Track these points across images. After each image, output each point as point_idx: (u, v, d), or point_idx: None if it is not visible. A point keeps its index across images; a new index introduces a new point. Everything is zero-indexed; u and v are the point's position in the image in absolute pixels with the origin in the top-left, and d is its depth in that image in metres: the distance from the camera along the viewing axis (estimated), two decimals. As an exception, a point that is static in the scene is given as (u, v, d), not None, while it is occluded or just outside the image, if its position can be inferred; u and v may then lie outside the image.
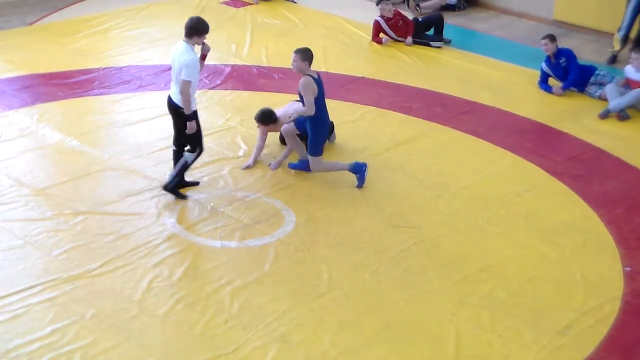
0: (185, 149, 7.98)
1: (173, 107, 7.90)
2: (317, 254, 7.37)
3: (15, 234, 7.43)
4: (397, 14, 12.44)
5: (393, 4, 14.06)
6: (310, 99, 7.99)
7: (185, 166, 8.03)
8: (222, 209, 7.91)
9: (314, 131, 8.23)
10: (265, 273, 7.10)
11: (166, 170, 8.38)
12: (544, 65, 10.96)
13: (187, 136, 7.89)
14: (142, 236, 7.48)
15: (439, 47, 12.31)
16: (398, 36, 12.37)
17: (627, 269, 7.37)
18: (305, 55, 8.12)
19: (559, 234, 7.84)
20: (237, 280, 6.98)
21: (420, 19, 12.68)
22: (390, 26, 12.33)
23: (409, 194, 8.40)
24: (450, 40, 12.52)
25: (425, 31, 12.53)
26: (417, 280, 7.08)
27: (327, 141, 8.74)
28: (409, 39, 12.28)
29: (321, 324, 6.54)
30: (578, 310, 6.83)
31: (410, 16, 13.05)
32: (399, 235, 7.68)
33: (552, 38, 10.85)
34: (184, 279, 6.97)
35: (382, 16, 12.38)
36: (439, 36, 12.49)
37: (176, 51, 7.75)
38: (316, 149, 8.28)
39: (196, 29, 7.74)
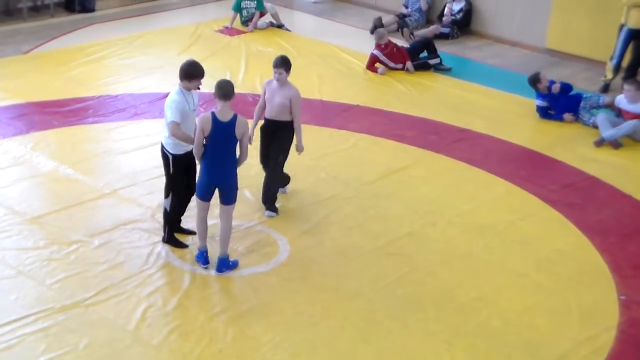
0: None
1: (162, 152, 7.60)
2: (311, 283, 7.34)
3: (8, 263, 7.40)
4: (390, 43, 12.52)
5: (387, 33, 14.19)
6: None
7: (166, 214, 7.70)
8: (216, 238, 7.89)
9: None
10: (259, 302, 7.07)
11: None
12: (539, 101, 11.00)
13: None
14: (136, 265, 7.45)
15: (438, 63, 12.44)
16: (396, 64, 12.39)
17: (623, 297, 7.37)
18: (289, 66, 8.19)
19: (554, 263, 7.84)
20: (231, 309, 6.95)
21: (409, 46, 12.80)
22: (386, 55, 12.38)
23: (402, 222, 8.40)
24: (450, 68, 12.56)
25: (418, 54, 12.64)
26: (412, 309, 7.06)
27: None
28: (409, 64, 12.29)
29: (316, 354, 6.51)
30: (573, 339, 6.81)
31: (404, 45, 13.12)
32: (393, 264, 7.67)
33: (537, 80, 11.01)
34: (178, 308, 6.94)
35: (378, 45, 12.42)
36: (434, 55, 12.58)
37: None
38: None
39: (185, 72, 7.41)
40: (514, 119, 11.06)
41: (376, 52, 12.41)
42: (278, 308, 7.01)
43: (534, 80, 11.07)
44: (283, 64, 8.14)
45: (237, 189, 7.27)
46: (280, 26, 14.22)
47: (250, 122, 8.04)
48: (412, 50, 12.69)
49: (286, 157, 8.40)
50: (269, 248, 7.80)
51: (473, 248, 8.01)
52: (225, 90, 7.08)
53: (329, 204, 8.67)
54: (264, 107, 8.45)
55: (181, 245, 7.72)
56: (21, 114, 10.43)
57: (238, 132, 7.09)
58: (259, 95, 11.50)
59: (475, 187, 9.19)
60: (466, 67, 12.95)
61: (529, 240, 8.19)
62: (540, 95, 11.03)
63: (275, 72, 8.18)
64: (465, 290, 7.35)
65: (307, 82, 11.92)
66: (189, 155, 7.42)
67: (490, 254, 7.93)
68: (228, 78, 11.70)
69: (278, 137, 8.31)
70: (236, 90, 11.32)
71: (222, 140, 7.05)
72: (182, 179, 7.55)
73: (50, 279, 7.20)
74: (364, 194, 8.90)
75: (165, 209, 7.72)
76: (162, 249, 7.70)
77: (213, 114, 7.10)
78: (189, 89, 7.48)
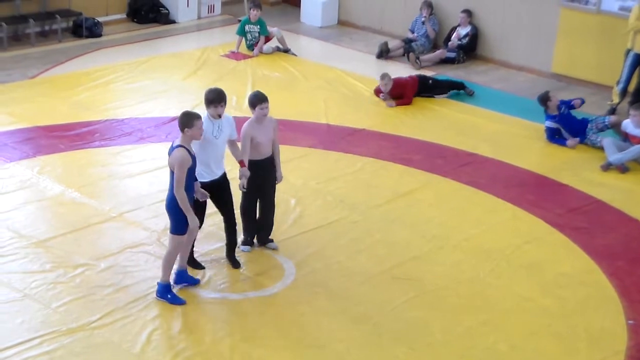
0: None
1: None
2: (318, 307, 7.36)
3: (15, 286, 7.43)
4: (397, 85, 12.20)
5: (392, 58, 14.27)
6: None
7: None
8: (222, 261, 7.92)
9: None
10: (265, 325, 7.08)
11: (166, 222, 8.39)
12: (549, 123, 11.04)
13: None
14: (142, 288, 7.48)
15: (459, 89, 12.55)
16: (398, 104, 12.27)
17: (631, 322, 7.36)
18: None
19: (561, 287, 7.84)
20: (237, 332, 6.96)
21: (430, 82, 12.52)
22: (390, 95, 12.28)
23: (409, 245, 8.42)
24: (474, 92, 12.58)
25: (434, 92, 12.53)
26: (419, 333, 7.06)
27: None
28: (390, 103, 12.14)
29: (322, 378, 6.51)
30: (581, 363, 6.80)
31: (410, 70, 13.20)
32: (400, 287, 7.68)
33: (547, 99, 11.04)
34: (183, 331, 6.96)
35: (379, 91, 12.39)
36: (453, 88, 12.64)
37: None
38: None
39: (204, 98, 7.53)
40: (520, 142, 11.09)
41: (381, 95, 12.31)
42: (284, 331, 7.02)
43: (544, 99, 11.07)
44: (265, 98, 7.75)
45: (176, 219, 7.16)
46: (286, 51, 14.30)
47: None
48: (430, 86, 12.53)
49: None
50: (274, 271, 7.82)
51: (480, 272, 8.02)
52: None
53: (335, 227, 8.70)
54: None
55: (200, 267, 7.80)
56: (28, 137, 10.49)
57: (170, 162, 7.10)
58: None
59: (481, 211, 9.21)
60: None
61: (536, 265, 8.19)
62: (549, 116, 11.06)
63: (263, 108, 7.72)
64: (472, 315, 7.35)
65: (314, 106, 11.99)
66: (214, 184, 7.53)
67: (497, 278, 7.93)
68: (234, 102, 11.79)
69: (272, 171, 8.00)
70: (242, 115, 11.55)
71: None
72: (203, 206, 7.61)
73: (56, 302, 7.23)
74: (370, 218, 8.93)
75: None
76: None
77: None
78: (213, 116, 7.45)
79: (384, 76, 12.16)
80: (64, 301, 7.25)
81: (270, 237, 8.18)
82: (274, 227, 8.28)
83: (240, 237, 8.01)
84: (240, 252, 8.03)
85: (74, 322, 6.98)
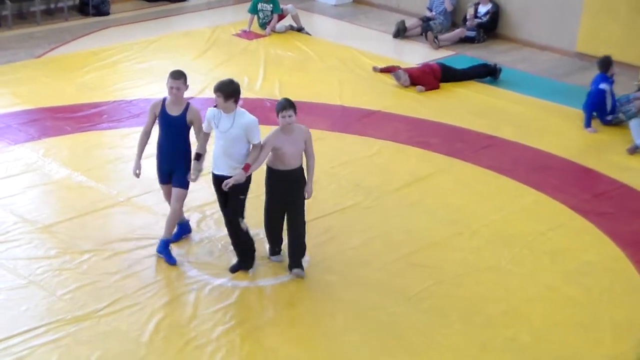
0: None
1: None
2: (332, 295, 7.32)
3: (19, 273, 7.43)
4: (416, 77, 11.96)
5: (409, 37, 14.17)
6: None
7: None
8: (232, 249, 7.88)
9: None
10: (277, 314, 7.06)
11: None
12: (604, 85, 10.78)
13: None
14: (150, 275, 7.47)
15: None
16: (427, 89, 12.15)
17: (658, 311, 7.29)
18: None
19: (586, 275, 7.78)
20: (248, 321, 6.94)
21: (455, 73, 12.33)
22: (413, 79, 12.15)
23: (427, 231, 8.37)
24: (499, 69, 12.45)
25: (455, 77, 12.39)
26: (437, 323, 7.02)
27: None
28: (420, 88, 12.03)
29: (336, 368, 6.48)
30: (606, 355, 6.74)
31: (428, 51, 13.08)
32: (418, 275, 7.64)
33: (609, 63, 10.86)
34: (193, 319, 6.94)
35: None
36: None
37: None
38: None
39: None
40: (543, 125, 11.01)
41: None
42: (296, 320, 6.99)
43: (607, 63, 10.88)
44: (292, 105, 7.33)
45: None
46: (300, 29, 14.23)
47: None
48: (454, 73, 12.39)
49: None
50: (287, 258, 7.77)
51: (501, 260, 7.96)
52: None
53: (350, 212, 8.66)
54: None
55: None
56: (33, 119, 10.49)
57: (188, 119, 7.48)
58: (276, 101, 11.56)
59: (503, 196, 9.15)
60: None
61: (559, 252, 8.13)
62: (607, 79, 10.84)
63: (285, 116, 7.29)
64: (492, 304, 7.30)
65: (328, 87, 11.93)
66: (215, 179, 7.42)
67: (519, 266, 7.88)
68: (245, 83, 11.75)
69: (300, 185, 7.44)
70: (254, 96, 11.51)
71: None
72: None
73: (62, 290, 7.22)
74: (387, 203, 8.88)
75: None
76: (177, 258, 7.69)
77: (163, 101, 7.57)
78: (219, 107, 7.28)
79: (399, 77, 11.95)
80: (69, 288, 7.24)
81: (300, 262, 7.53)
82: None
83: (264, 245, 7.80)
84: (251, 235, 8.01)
85: (80, 310, 6.97)
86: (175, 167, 7.63)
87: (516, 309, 7.26)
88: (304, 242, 7.52)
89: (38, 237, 7.99)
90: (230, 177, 7.19)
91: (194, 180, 7.56)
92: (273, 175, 7.37)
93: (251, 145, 7.30)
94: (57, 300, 7.09)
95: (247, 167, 7.22)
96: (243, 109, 7.36)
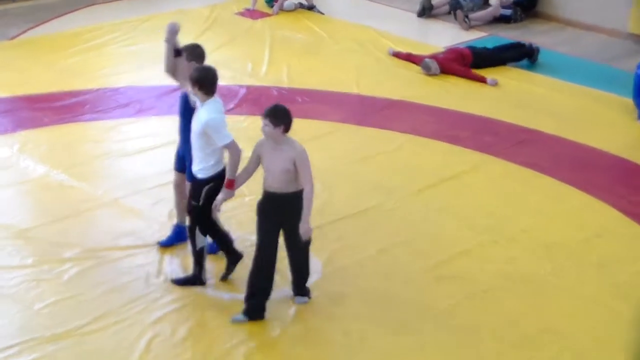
0: None
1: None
2: (347, 310, 7.33)
3: (-9, 284, 7.47)
4: (447, 68, 12.00)
5: (436, 16, 14.18)
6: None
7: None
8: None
9: None
10: (284, 333, 7.06)
11: (169, 209, 8.40)
12: None
13: None
14: (140, 287, 7.48)
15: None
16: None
17: None
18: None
19: (636, 288, 7.76)
20: (250, 340, 6.95)
21: (489, 52, 12.35)
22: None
23: (457, 239, 8.37)
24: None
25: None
26: (468, 343, 7.02)
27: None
28: (492, 80, 11.87)
29: (352, 394, 6.50)
30: (661, 380, 6.71)
31: (457, 32, 13.07)
32: (446, 288, 7.64)
33: None
34: (188, 338, 6.95)
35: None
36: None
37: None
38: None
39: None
40: (589, 117, 11.00)
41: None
42: (306, 339, 7.00)
43: None
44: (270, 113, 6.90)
45: None
46: (311, 7, 14.26)
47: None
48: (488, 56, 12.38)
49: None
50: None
51: (540, 270, 7.96)
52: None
53: (368, 217, 8.66)
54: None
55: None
56: (7, 109, 10.56)
57: None
58: (285, 89, 11.64)
59: (542, 198, 9.14)
60: (532, 55, 12.89)
61: (607, 262, 8.11)
62: None
63: (262, 125, 6.92)
64: (530, 320, 7.30)
65: (343, 74, 11.95)
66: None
67: (561, 278, 7.87)
68: (249, 69, 11.77)
69: (289, 216, 7.11)
70: (259, 83, 11.54)
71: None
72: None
73: (39, 303, 7.23)
74: (409, 206, 8.88)
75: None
76: (171, 268, 7.72)
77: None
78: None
79: (428, 67, 11.93)
80: (48, 302, 7.26)
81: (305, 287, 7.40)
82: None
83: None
84: (254, 242, 8.00)
85: (60, 326, 6.98)
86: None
87: (557, 326, 7.25)
88: (308, 265, 7.38)
89: (12, 243, 8.02)
90: (193, 177, 7.33)
91: None
92: (262, 197, 7.13)
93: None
94: (34, 315, 7.10)
95: (229, 183, 7.12)
96: (211, 102, 7.15)
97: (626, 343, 6.39)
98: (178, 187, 7.88)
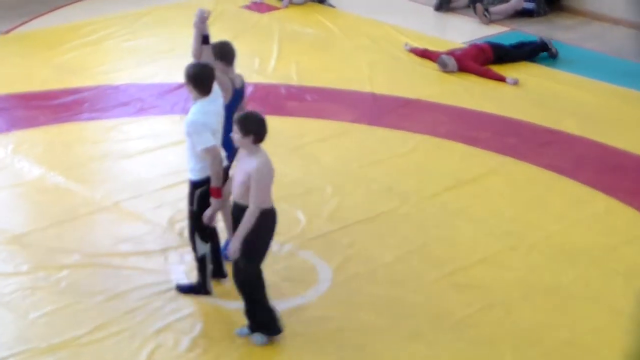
0: None
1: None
2: (359, 320, 7.37)
3: (-16, 291, 7.53)
4: (467, 57, 12.09)
5: (455, 10, 14.19)
6: None
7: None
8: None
9: None
10: (293, 343, 7.10)
11: (172, 213, 8.46)
12: None
13: None
14: (141, 295, 7.53)
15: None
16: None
17: None
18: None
19: (666, 298, 7.79)
20: (258, 351, 6.99)
21: (507, 54, 12.39)
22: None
23: (474, 245, 8.41)
24: (557, 53, 12.49)
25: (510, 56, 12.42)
26: (486, 355, 7.05)
27: None
28: (511, 80, 11.96)
29: (363, 409, 6.54)
30: (691, 395, 6.75)
31: (477, 26, 13.09)
32: (463, 297, 7.68)
33: None
34: (193, 349, 6.99)
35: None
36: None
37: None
38: None
39: None
40: (615, 116, 11.01)
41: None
42: (316, 351, 7.04)
43: None
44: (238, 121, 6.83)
45: None
46: (322, 1, 14.28)
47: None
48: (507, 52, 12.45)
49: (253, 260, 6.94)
50: (305, 276, 7.84)
51: (562, 279, 7.98)
52: None
53: (381, 222, 8.70)
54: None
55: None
56: (0, 108, 10.59)
57: None
58: (294, 87, 11.68)
59: (566, 203, 9.17)
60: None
61: (634, 270, 8.12)
62: None
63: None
64: (552, 332, 7.31)
65: (356, 71, 11.97)
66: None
67: (585, 287, 7.89)
68: (256, 65, 11.82)
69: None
70: (266, 80, 11.58)
71: None
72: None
73: (35, 312, 7.28)
74: (425, 210, 8.92)
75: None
76: (175, 276, 7.76)
77: None
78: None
79: (445, 64, 11.96)
80: (44, 311, 7.31)
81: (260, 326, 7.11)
82: (302, 224, 8.37)
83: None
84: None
85: (57, 336, 7.03)
86: None
87: (581, 339, 7.27)
88: (251, 308, 7.02)
89: (6, 249, 8.08)
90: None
91: None
92: None
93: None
94: (30, 324, 7.16)
95: (214, 191, 7.12)
96: (200, 103, 7.19)
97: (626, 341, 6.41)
98: None
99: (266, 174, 6.73)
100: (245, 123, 6.71)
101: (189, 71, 7.19)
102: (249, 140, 6.70)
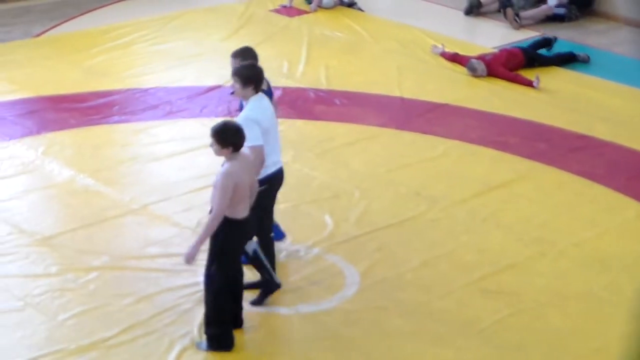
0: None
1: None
2: (386, 325, 7.38)
3: (14, 293, 7.57)
4: (497, 62, 12.09)
5: (485, 14, 14.16)
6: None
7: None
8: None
9: None
10: (319, 346, 7.11)
11: (199, 216, 8.49)
12: None
13: None
14: (170, 298, 7.56)
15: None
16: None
17: None
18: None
19: (698, 306, 7.74)
20: (284, 355, 7.03)
21: (536, 61, 12.39)
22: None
23: (503, 251, 8.39)
24: (589, 58, 12.48)
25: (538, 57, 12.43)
26: (514, 361, 7.04)
27: None
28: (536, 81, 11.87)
29: (391, 414, 6.54)
30: None
31: (507, 31, 13.06)
32: (491, 303, 7.67)
33: None
34: (220, 351, 6.99)
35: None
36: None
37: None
38: None
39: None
40: (647, 123, 10.98)
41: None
42: (344, 355, 7.05)
43: None
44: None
45: None
46: (351, 4, 14.31)
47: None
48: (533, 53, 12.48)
49: (223, 267, 6.91)
50: (333, 280, 7.85)
51: (593, 286, 7.96)
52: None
53: (409, 226, 8.71)
54: None
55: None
56: (31, 110, 10.68)
57: None
58: (322, 91, 11.69)
59: (596, 209, 9.14)
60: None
61: (666, 278, 8.11)
62: None
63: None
64: (582, 339, 7.30)
65: (385, 75, 11.98)
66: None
67: (616, 294, 7.86)
68: (285, 69, 11.84)
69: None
70: (295, 84, 11.60)
71: None
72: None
73: (64, 314, 7.34)
74: (454, 216, 8.92)
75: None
76: (202, 278, 7.78)
77: None
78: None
79: (474, 68, 11.97)
80: (73, 312, 7.36)
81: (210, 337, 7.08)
82: (330, 228, 8.38)
83: None
84: (291, 252, 8.10)
85: (85, 338, 7.07)
86: None
87: (611, 346, 7.21)
88: (207, 313, 7.02)
89: (36, 250, 8.13)
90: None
91: None
92: None
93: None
94: (59, 326, 7.20)
95: None
96: (256, 99, 7.33)
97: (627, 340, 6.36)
98: None
99: (230, 180, 6.61)
100: (223, 135, 6.67)
101: (242, 72, 7.26)
102: (228, 150, 6.66)
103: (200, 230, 6.78)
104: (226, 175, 6.62)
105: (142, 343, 7.06)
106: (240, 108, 7.67)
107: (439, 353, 7.10)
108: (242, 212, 6.75)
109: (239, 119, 7.14)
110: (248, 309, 7.46)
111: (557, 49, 12.73)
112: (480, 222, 8.84)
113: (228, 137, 6.66)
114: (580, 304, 7.74)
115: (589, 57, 12.54)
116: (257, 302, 7.46)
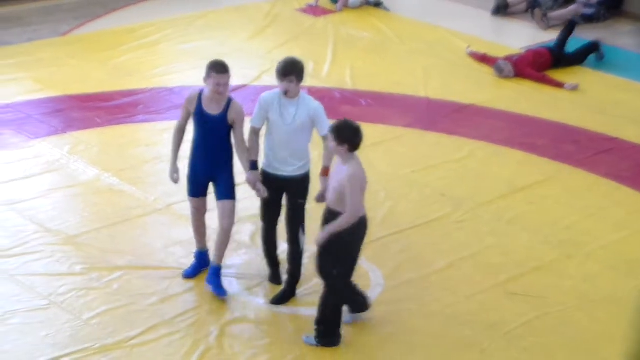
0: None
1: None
2: (410, 327, 7.37)
3: (39, 292, 7.61)
4: (523, 73, 12.06)
5: (512, 15, 14.14)
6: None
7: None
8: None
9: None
10: (344, 349, 7.11)
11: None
12: None
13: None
14: (193, 298, 7.59)
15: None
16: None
17: None
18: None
19: None
20: (308, 356, 7.02)
21: (563, 59, 12.40)
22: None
23: (530, 253, 8.37)
24: (604, 56, 12.44)
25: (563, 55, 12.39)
26: (540, 365, 7.02)
27: None
28: (570, 85, 11.83)
29: (415, 417, 6.54)
30: None
31: (535, 32, 13.03)
32: (517, 306, 7.64)
33: None
34: (244, 352, 7.03)
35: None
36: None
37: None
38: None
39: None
40: (677, 125, 10.92)
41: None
42: (368, 357, 7.04)
43: None
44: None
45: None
46: (377, 4, 14.31)
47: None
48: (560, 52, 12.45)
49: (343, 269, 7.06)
50: (358, 281, 7.80)
51: (620, 290, 7.91)
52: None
53: (434, 228, 8.70)
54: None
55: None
56: (57, 109, 10.74)
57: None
58: (348, 91, 11.69)
59: (624, 212, 9.10)
60: (616, 58, 12.79)
61: (694, 282, 8.05)
62: None
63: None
64: (610, 344, 7.25)
65: (411, 76, 11.97)
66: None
67: (644, 298, 7.83)
68: (311, 69, 11.84)
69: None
70: (320, 84, 11.60)
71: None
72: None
73: (88, 313, 7.37)
74: (479, 218, 8.90)
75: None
76: (226, 278, 7.80)
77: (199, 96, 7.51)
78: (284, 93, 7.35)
79: (501, 69, 11.95)
80: (97, 311, 7.39)
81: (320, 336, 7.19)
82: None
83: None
84: (314, 253, 8.08)
85: (109, 337, 7.11)
86: (216, 175, 7.57)
87: (638, 350, 7.21)
88: (324, 311, 7.16)
89: (61, 249, 8.18)
90: (292, 176, 7.40)
91: (264, 195, 7.50)
92: None
93: (322, 139, 7.37)
94: (83, 325, 7.23)
95: (326, 172, 7.32)
96: (304, 93, 7.45)
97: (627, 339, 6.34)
98: (201, 212, 7.84)
99: (357, 181, 6.78)
100: (341, 131, 6.77)
101: (301, 67, 7.31)
102: (343, 148, 6.75)
103: (331, 225, 6.88)
104: (351, 178, 6.74)
105: (165, 343, 7.08)
106: None
107: (463, 356, 7.08)
108: (364, 208, 6.90)
109: (313, 110, 7.32)
110: (271, 311, 7.48)
111: (575, 45, 12.66)
112: (506, 224, 8.82)
113: (344, 135, 6.75)
114: (608, 307, 7.71)
115: (603, 55, 12.45)
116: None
